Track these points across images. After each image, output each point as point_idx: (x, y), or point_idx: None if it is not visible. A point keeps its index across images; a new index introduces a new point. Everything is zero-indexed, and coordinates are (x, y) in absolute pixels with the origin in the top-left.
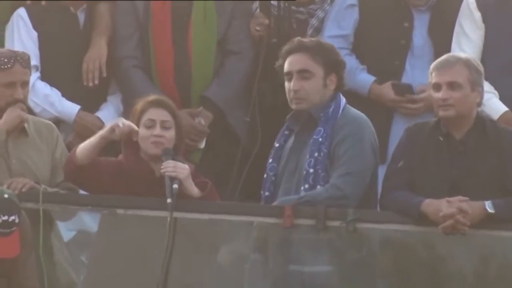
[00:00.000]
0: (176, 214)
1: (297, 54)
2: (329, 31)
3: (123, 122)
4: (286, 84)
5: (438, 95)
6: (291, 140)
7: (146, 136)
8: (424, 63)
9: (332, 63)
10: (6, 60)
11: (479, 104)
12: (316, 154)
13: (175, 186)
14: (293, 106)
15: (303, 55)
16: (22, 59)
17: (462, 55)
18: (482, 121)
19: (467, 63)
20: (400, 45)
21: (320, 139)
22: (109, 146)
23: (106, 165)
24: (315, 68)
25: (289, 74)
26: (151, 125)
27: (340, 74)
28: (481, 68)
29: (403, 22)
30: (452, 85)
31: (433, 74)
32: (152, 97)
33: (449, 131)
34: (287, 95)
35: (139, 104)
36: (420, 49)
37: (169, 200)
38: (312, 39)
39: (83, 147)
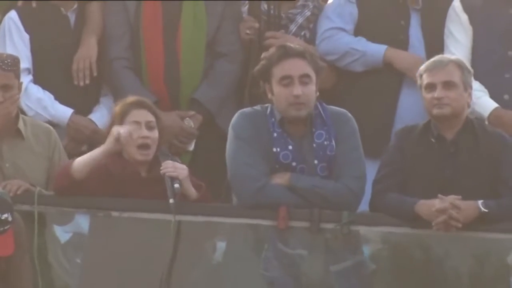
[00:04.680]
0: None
1: (294, 59)
2: (331, 23)
3: (122, 129)
4: (281, 89)
5: (433, 94)
6: (289, 146)
7: (133, 138)
8: None
9: (319, 70)
10: None
11: (469, 105)
12: (327, 158)
13: (177, 186)
14: (293, 112)
15: (300, 60)
16: (2, 63)
17: (453, 56)
18: (471, 122)
19: (459, 63)
20: (399, 41)
21: (326, 143)
22: None
23: (93, 170)
24: (312, 73)
25: (288, 79)
26: (136, 126)
27: (319, 82)
28: (471, 69)
29: (400, 20)
30: (447, 84)
31: (425, 75)
32: (131, 98)
33: (440, 133)
34: (281, 100)
35: (118, 107)
36: (415, 48)
37: (171, 201)
38: (298, 44)
39: (83, 163)
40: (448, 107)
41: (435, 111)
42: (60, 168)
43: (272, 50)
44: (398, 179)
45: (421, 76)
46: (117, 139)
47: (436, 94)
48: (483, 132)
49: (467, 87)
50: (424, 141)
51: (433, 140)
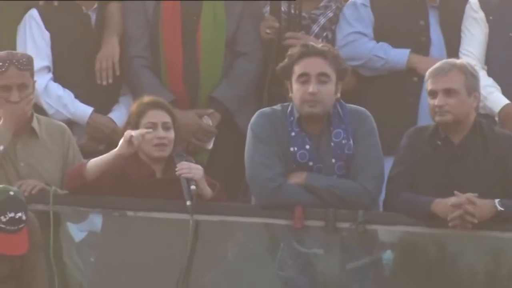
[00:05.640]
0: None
1: (314, 57)
2: (351, 28)
3: (134, 132)
4: (298, 86)
5: (434, 102)
6: (306, 145)
7: (149, 138)
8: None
9: (341, 71)
10: (0, 63)
11: (477, 108)
12: (345, 157)
13: (193, 187)
14: (307, 109)
15: (320, 59)
16: (18, 62)
17: (458, 60)
18: (480, 125)
19: (462, 68)
20: (421, 42)
21: (344, 141)
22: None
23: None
24: (331, 73)
25: (305, 76)
26: (152, 127)
27: (341, 84)
28: (477, 73)
29: (419, 20)
30: (448, 92)
31: (429, 81)
32: (147, 98)
33: (448, 136)
34: (297, 98)
35: (135, 106)
36: (437, 47)
37: (188, 203)
38: (324, 45)
39: (97, 165)
40: (449, 115)
41: (437, 118)
42: (72, 169)
43: (296, 48)
44: (410, 179)
45: (427, 81)
46: (130, 143)
47: (436, 102)
48: (491, 134)
49: (472, 91)
50: (433, 143)
51: (439, 142)
